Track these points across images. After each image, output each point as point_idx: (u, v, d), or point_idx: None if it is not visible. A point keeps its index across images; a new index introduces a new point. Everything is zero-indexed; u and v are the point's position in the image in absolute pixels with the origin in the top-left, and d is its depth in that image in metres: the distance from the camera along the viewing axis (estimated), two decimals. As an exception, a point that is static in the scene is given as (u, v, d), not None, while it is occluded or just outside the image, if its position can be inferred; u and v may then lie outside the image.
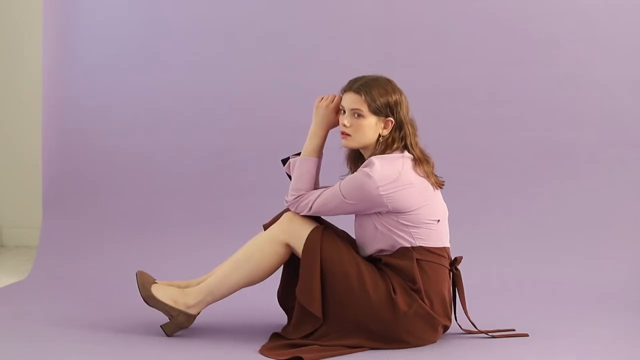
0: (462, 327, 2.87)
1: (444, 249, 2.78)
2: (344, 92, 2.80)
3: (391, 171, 2.67)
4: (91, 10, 4.18)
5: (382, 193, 2.65)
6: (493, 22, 3.89)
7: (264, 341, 2.77)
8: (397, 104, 2.73)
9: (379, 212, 2.70)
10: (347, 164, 2.92)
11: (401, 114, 2.74)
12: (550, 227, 3.77)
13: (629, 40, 3.83)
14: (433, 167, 2.78)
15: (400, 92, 2.77)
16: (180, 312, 2.81)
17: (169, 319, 2.84)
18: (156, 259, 3.86)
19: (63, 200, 4.16)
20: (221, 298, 2.84)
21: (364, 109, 2.73)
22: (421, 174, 2.72)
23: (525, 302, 3.34)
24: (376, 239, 2.74)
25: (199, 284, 2.90)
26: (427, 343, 2.75)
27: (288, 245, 2.77)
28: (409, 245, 2.71)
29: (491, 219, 3.75)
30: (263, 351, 2.66)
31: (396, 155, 2.72)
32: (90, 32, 4.19)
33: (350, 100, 2.76)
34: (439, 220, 2.76)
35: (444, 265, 2.76)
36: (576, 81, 3.84)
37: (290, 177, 2.88)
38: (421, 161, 2.74)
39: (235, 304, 2.94)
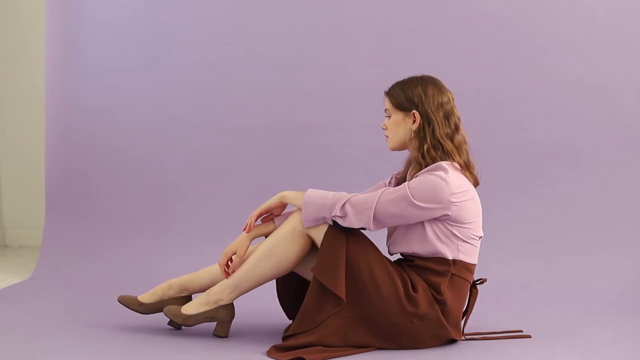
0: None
1: (474, 265, 2.78)
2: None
3: (461, 180, 2.68)
4: (93, 12, 4.19)
5: (454, 200, 2.64)
6: (495, 23, 3.88)
7: (267, 342, 2.77)
8: (419, 96, 2.72)
9: (436, 217, 2.69)
10: (409, 170, 2.84)
11: (426, 105, 2.72)
12: (550, 227, 3.76)
13: (633, 41, 3.82)
14: (467, 155, 2.76)
15: (427, 84, 2.74)
16: (218, 308, 2.82)
17: (214, 322, 2.86)
18: (159, 259, 3.88)
19: (66, 200, 4.17)
20: (247, 291, 2.83)
21: (390, 108, 2.77)
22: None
23: (525, 302, 3.34)
24: (419, 241, 2.71)
25: (180, 284, 2.94)
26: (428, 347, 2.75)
27: (308, 235, 2.76)
28: (450, 258, 2.70)
29: (492, 220, 3.74)
30: (270, 352, 2.66)
31: (447, 163, 2.69)
32: (93, 33, 4.20)
33: (385, 104, 2.81)
34: (480, 237, 2.78)
35: (469, 282, 2.77)
36: (580, 82, 3.83)
37: (337, 222, 2.70)
38: (453, 155, 2.71)
39: (237, 306, 2.94)
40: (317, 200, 2.70)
